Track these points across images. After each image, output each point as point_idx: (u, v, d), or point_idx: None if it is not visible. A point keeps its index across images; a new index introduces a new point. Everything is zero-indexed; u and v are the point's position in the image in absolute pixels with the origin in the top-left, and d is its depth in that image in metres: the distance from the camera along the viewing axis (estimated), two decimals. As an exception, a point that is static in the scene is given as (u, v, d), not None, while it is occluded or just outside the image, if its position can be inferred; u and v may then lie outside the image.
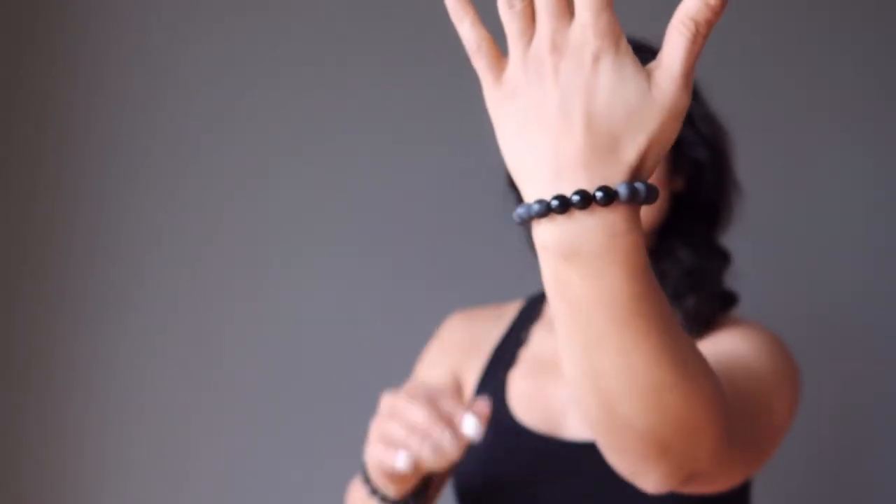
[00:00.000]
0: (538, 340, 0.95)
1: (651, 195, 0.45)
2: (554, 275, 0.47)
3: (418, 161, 1.44)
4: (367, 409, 1.35)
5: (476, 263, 1.44)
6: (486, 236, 1.32)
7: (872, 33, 1.55)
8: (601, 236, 0.45)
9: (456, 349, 0.99)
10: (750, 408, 0.71)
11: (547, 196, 0.44)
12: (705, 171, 0.95)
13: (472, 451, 0.86)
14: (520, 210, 0.46)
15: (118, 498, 1.42)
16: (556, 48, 0.44)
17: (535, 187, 0.45)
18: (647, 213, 0.86)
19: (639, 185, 0.45)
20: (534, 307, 0.99)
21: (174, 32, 1.48)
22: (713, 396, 0.53)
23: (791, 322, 1.51)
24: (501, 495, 0.88)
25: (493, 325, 1.00)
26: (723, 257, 0.96)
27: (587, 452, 0.82)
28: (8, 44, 1.44)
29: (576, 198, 0.43)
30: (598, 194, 0.44)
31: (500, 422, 0.88)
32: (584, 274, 0.45)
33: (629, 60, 0.44)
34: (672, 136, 0.45)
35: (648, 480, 0.57)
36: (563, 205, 0.44)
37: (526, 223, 0.46)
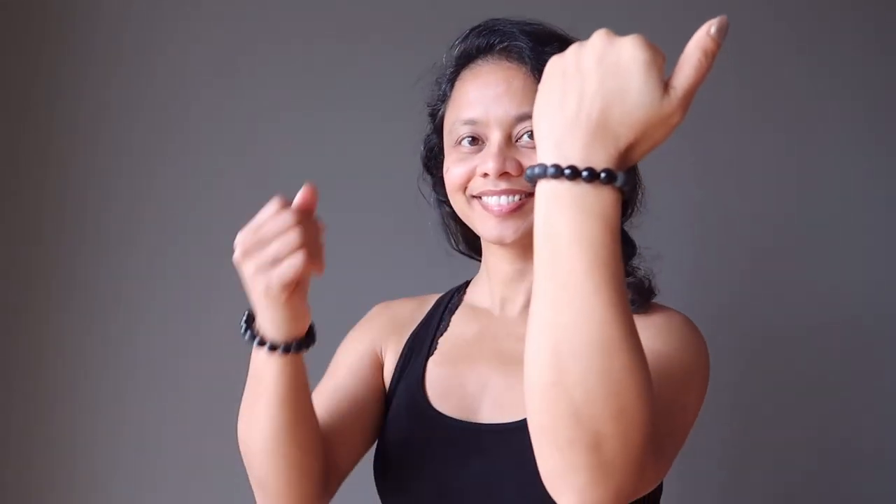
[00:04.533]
0: (457, 327, 0.99)
1: (627, 184, 0.58)
2: (545, 217, 0.59)
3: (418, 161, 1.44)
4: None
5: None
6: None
7: (873, 34, 1.55)
8: (592, 198, 0.58)
9: (378, 328, 1.03)
10: (667, 408, 0.74)
11: (555, 161, 0.58)
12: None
13: (391, 441, 0.93)
14: (536, 169, 0.59)
15: (117, 498, 1.42)
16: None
17: (551, 150, 0.58)
18: None
19: (625, 173, 0.58)
20: (453, 296, 1.04)
21: (174, 33, 1.48)
22: (645, 381, 0.60)
23: (791, 322, 1.51)
24: (420, 482, 0.90)
25: (414, 311, 1.05)
26: (631, 246, 0.97)
27: (501, 435, 0.87)
28: (7, 44, 1.44)
29: (586, 173, 0.57)
30: (603, 175, 0.57)
31: (418, 410, 0.93)
32: (568, 213, 0.58)
33: (660, 77, 0.57)
34: (658, 142, 0.59)
35: (573, 485, 0.60)
36: (574, 174, 0.57)
37: (530, 180, 0.60)
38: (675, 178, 1.44)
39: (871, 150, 1.54)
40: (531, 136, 0.88)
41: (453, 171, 0.92)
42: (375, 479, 0.95)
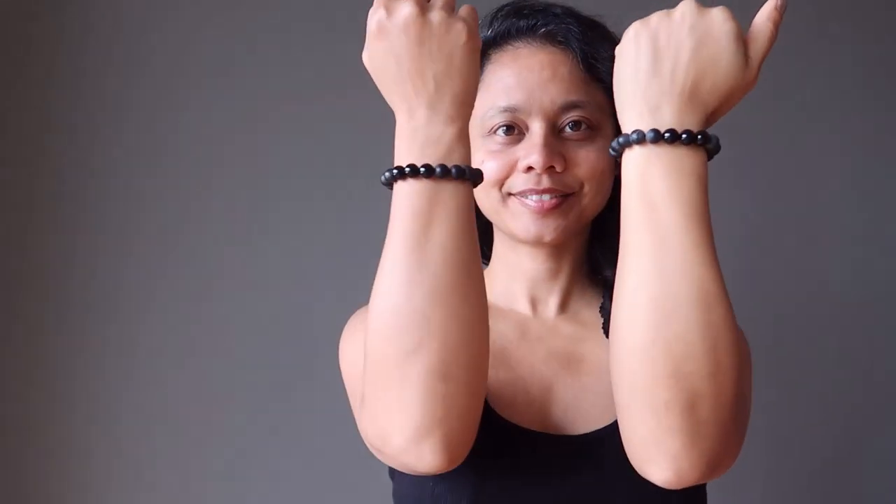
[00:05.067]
0: (495, 327, 0.85)
1: (718, 145, 0.64)
2: (641, 179, 0.63)
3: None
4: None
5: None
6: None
7: (872, 34, 1.55)
8: (689, 159, 0.62)
9: None
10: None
11: (653, 125, 0.62)
12: None
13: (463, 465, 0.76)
14: (633, 135, 0.62)
15: (116, 498, 1.42)
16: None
17: (639, 116, 0.63)
18: (596, 202, 0.86)
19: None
20: None
21: (175, 33, 1.48)
22: (737, 337, 0.63)
23: (790, 321, 1.51)
24: (512, 495, 0.79)
25: None
26: None
27: (599, 442, 0.80)
28: (7, 44, 1.44)
29: (684, 136, 0.61)
30: (699, 137, 0.62)
31: (486, 419, 0.77)
32: (665, 173, 0.62)
33: (744, 48, 0.64)
34: (732, 107, 0.65)
35: (668, 450, 0.62)
36: (673, 137, 0.61)
37: (623, 146, 0.63)
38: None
39: (870, 150, 1.54)
40: (573, 126, 0.83)
41: (488, 165, 0.83)
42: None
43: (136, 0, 1.47)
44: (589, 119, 0.83)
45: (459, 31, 0.66)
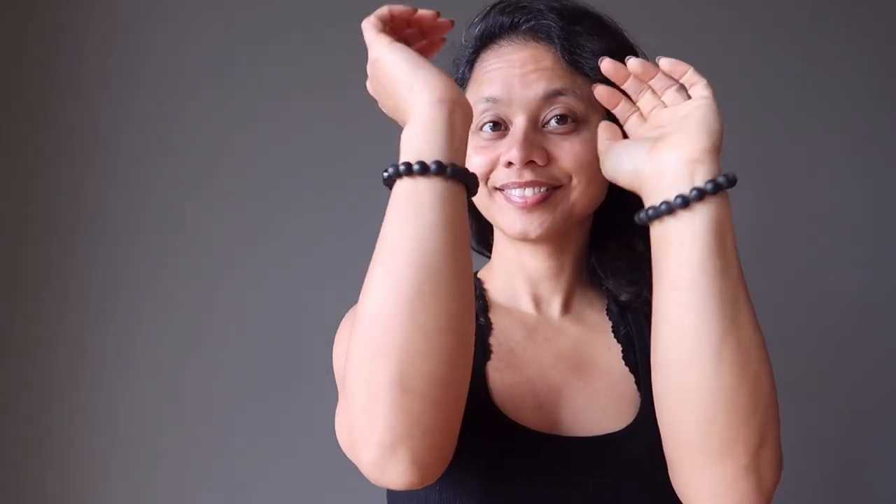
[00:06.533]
0: (502, 327, 0.87)
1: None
2: (720, 235, 0.68)
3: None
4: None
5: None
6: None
7: (872, 34, 1.55)
8: (727, 210, 0.70)
9: None
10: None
11: (689, 187, 0.68)
12: None
13: (471, 462, 0.77)
14: (678, 200, 0.68)
15: (116, 498, 1.42)
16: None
17: (668, 186, 0.69)
18: (587, 196, 0.84)
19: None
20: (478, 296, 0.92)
21: (176, 33, 1.48)
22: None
23: (790, 321, 1.51)
24: (523, 499, 0.78)
25: None
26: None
27: (617, 446, 0.80)
28: (8, 44, 1.44)
29: (722, 179, 0.69)
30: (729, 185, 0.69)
31: (494, 424, 0.79)
32: (730, 229, 0.69)
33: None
34: None
35: (741, 490, 0.68)
36: (716, 187, 0.68)
37: (669, 211, 0.68)
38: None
39: (870, 150, 1.54)
40: (559, 120, 0.82)
41: (473, 161, 0.82)
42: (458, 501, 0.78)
43: (134, 0, 1.47)
44: (574, 111, 0.82)
45: (370, 62, 0.73)
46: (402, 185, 0.66)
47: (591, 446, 0.80)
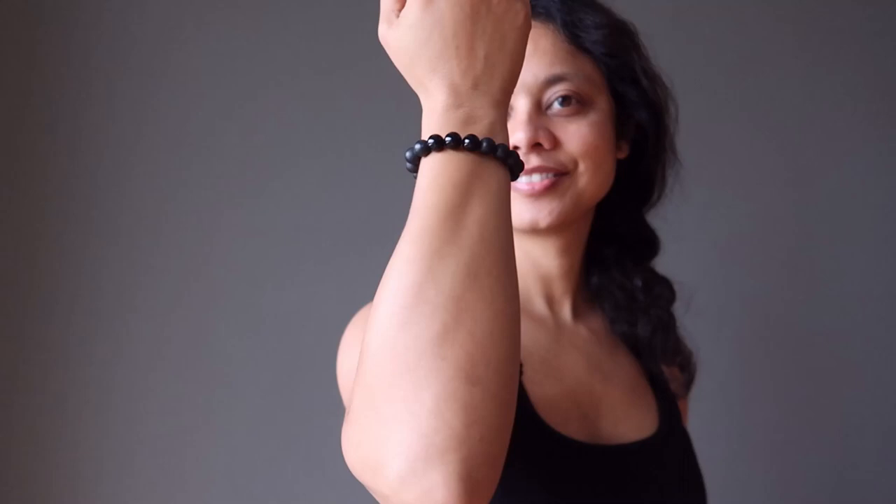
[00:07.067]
0: (527, 334, 0.82)
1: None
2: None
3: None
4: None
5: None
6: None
7: (873, 34, 1.55)
8: None
9: None
10: None
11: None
12: (648, 137, 0.87)
13: (526, 483, 0.71)
14: None
15: (114, 497, 1.42)
16: None
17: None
18: (596, 182, 0.80)
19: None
20: None
21: (177, 34, 1.48)
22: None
23: (789, 321, 1.51)
24: None
25: None
26: (654, 244, 0.92)
27: (659, 451, 0.79)
28: (8, 44, 1.44)
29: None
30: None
31: (545, 437, 0.74)
32: None
33: None
34: None
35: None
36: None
37: None
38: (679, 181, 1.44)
39: (870, 150, 1.54)
40: (562, 102, 0.78)
41: None
42: None
43: (132, 1, 1.47)
44: (577, 92, 0.79)
45: (517, 12, 0.57)
46: (461, 158, 0.55)
47: (638, 454, 0.78)
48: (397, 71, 0.59)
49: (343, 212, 1.46)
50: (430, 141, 0.54)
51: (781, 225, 1.52)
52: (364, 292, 1.46)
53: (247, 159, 1.47)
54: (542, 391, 0.76)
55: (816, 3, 1.55)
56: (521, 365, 0.70)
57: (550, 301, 0.86)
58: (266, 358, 1.43)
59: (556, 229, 0.80)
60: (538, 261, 0.84)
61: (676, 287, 0.96)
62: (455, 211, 0.52)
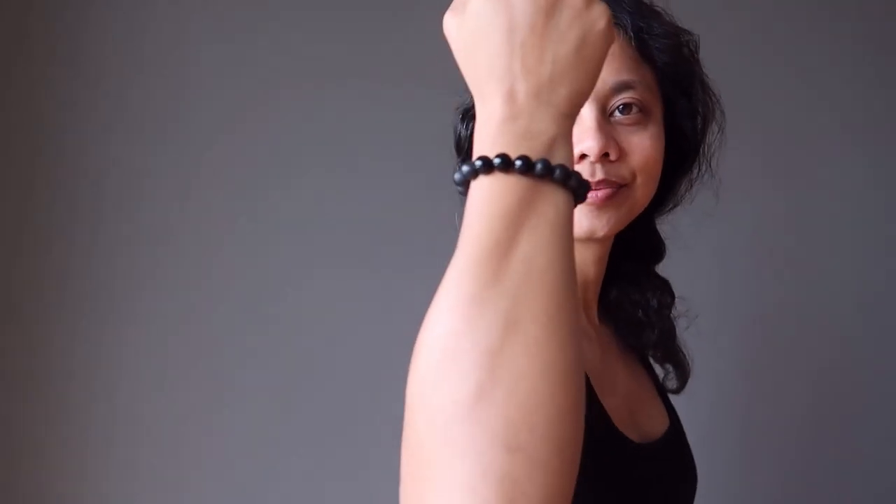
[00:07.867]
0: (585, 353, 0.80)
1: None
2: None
3: (423, 165, 1.44)
4: (372, 416, 1.36)
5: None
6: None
7: (871, 34, 1.55)
8: None
9: None
10: None
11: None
12: (689, 148, 0.87)
13: (606, 487, 0.69)
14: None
15: (113, 497, 1.42)
16: None
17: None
18: (647, 194, 0.80)
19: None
20: None
21: (178, 35, 1.48)
22: None
23: (790, 321, 1.51)
24: None
25: None
26: (660, 251, 0.93)
27: (680, 441, 0.87)
28: (8, 44, 1.44)
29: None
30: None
31: (624, 451, 0.74)
32: None
33: None
34: None
35: None
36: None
37: None
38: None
39: (870, 150, 1.54)
40: (623, 109, 0.76)
41: None
42: None
43: (141, 2, 1.47)
44: (640, 101, 0.77)
45: (599, 14, 0.50)
46: (512, 182, 0.47)
47: (665, 447, 0.82)
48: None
49: (349, 215, 1.46)
50: (479, 163, 0.47)
51: (781, 225, 1.52)
52: (368, 294, 1.47)
53: (253, 162, 1.47)
54: (610, 402, 0.74)
55: (816, 3, 1.55)
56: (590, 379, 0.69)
57: (587, 307, 0.85)
58: (272, 361, 1.44)
59: (605, 238, 0.79)
60: (582, 268, 0.83)
61: (675, 287, 1.00)
62: (499, 247, 0.45)
